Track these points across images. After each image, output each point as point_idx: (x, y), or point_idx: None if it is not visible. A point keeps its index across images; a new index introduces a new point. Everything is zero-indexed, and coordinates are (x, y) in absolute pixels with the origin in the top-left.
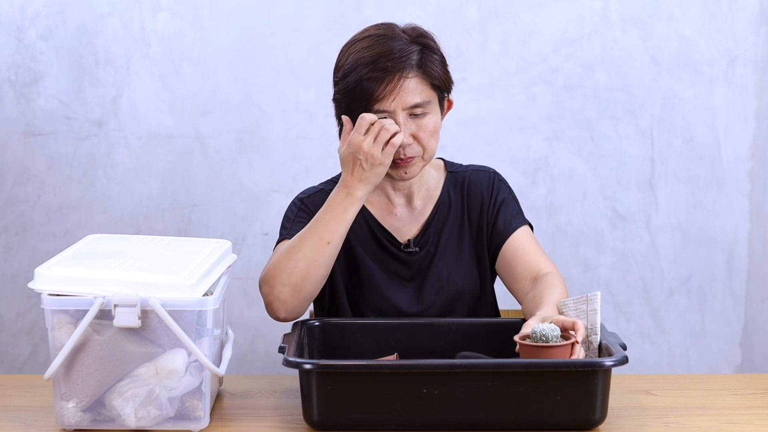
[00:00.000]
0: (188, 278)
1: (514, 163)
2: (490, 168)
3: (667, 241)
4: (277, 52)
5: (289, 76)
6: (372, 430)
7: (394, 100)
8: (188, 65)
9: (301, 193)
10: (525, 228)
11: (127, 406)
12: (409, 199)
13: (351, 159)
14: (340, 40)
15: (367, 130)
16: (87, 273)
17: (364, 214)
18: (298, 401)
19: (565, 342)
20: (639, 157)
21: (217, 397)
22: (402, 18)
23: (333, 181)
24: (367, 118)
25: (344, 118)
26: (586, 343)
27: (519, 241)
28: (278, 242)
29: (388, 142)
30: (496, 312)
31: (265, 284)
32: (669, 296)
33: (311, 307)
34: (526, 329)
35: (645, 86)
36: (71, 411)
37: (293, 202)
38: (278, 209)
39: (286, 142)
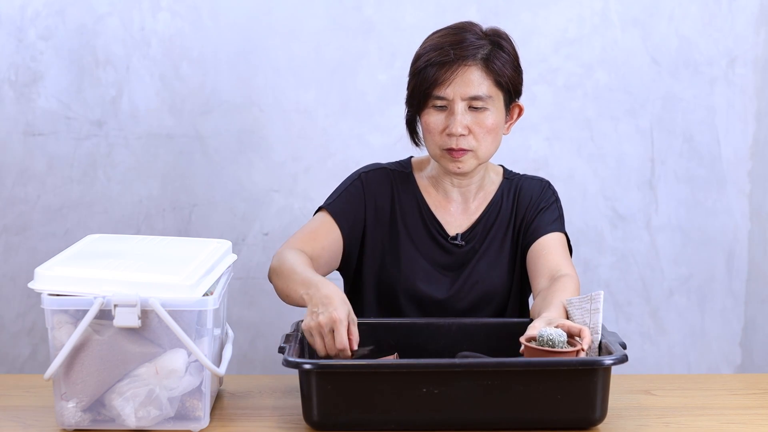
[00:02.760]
0: (188, 278)
1: (515, 163)
2: (544, 178)
3: (667, 241)
4: (277, 52)
5: (289, 76)
6: (372, 430)
7: (452, 86)
8: (188, 65)
9: (365, 166)
10: (559, 234)
11: (127, 406)
12: (465, 198)
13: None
14: (340, 40)
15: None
16: (87, 273)
17: (419, 202)
18: (298, 401)
19: (571, 348)
20: (639, 157)
21: (217, 397)
22: (402, 18)
23: (399, 163)
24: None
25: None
26: (593, 350)
27: (548, 243)
28: (318, 209)
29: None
30: None
31: (272, 277)
32: (669, 296)
33: None
34: (532, 331)
35: (645, 86)
36: (71, 411)
37: (352, 175)
38: (278, 209)
39: (286, 142)
